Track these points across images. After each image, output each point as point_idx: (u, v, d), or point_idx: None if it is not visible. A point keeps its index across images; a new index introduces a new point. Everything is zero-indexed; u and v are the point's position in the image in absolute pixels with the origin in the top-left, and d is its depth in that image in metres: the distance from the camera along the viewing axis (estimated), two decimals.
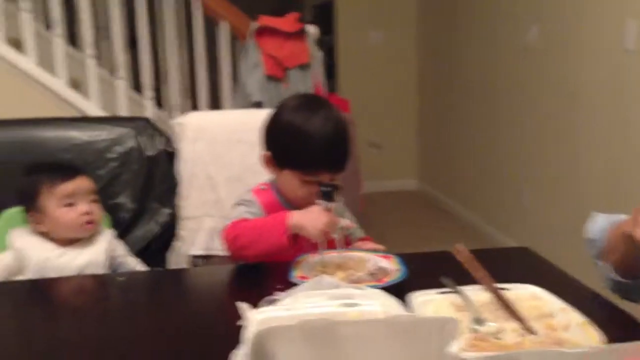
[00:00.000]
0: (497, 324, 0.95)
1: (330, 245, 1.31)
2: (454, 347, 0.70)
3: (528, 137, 3.48)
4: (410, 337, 0.72)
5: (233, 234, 1.33)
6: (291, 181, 1.40)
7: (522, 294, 1.05)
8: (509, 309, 0.99)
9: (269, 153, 1.45)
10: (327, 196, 1.29)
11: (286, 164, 1.40)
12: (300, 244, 1.33)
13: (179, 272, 1.60)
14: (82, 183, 1.51)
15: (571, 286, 1.18)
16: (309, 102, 1.45)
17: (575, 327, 0.93)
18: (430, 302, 1.01)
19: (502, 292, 1.03)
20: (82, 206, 1.49)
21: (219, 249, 1.55)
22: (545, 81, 3.26)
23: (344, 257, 1.30)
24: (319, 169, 1.36)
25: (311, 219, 1.27)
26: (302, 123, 1.37)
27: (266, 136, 1.46)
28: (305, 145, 1.36)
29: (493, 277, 1.06)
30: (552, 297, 1.03)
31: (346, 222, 1.29)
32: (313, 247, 1.33)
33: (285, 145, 1.40)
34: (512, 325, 0.94)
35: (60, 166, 1.55)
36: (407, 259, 1.26)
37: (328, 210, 1.28)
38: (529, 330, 0.93)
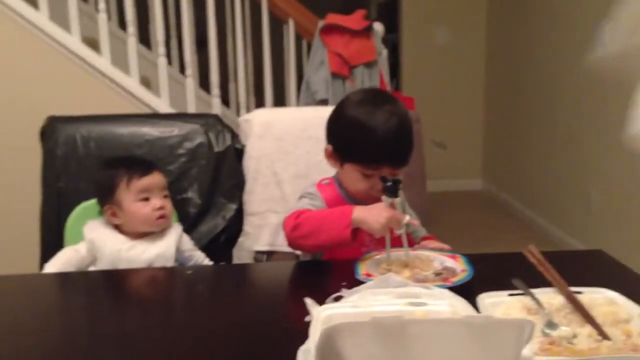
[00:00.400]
0: (571, 328, 0.92)
1: (394, 241, 1.30)
2: (528, 351, 0.68)
3: (595, 138, 3.35)
4: (484, 338, 0.71)
5: (294, 222, 1.33)
6: (352, 175, 1.39)
7: (597, 298, 1.01)
8: (583, 314, 0.95)
9: (331, 146, 1.44)
10: (390, 191, 1.27)
11: (348, 157, 1.40)
12: (360, 239, 1.32)
13: (244, 267, 1.63)
14: (156, 178, 1.55)
15: None
16: (374, 97, 1.44)
17: None
18: (500, 304, 0.99)
19: (576, 295, 1.00)
20: (156, 201, 1.53)
21: (282, 245, 1.56)
22: (615, 82, 3.13)
23: (411, 256, 1.29)
24: (381, 163, 1.35)
25: (374, 214, 1.26)
26: (366, 117, 1.36)
27: (329, 130, 1.45)
28: (367, 140, 1.35)
29: (566, 279, 1.03)
30: (629, 302, 0.99)
31: (409, 218, 1.27)
32: (374, 243, 1.33)
33: (348, 139, 1.39)
34: (586, 330, 0.91)
35: (137, 161, 1.60)
36: (474, 260, 1.24)
37: (392, 205, 1.27)
38: (605, 336, 0.90)
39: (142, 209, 1.51)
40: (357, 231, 1.29)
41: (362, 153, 1.36)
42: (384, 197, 1.28)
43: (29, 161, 1.92)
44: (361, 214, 1.27)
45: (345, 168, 1.41)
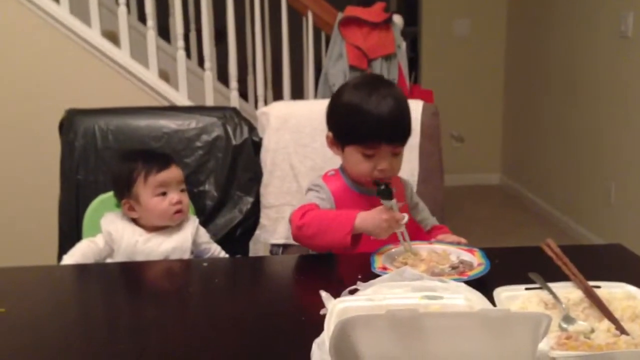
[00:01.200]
0: (588, 323, 0.91)
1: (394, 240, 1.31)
2: (545, 345, 0.68)
3: (614, 132, 3.31)
4: (501, 332, 0.70)
5: (300, 222, 1.35)
6: (354, 157, 1.41)
7: (615, 292, 1.00)
8: (601, 308, 0.94)
9: (331, 133, 1.47)
10: (384, 194, 1.30)
11: (347, 140, 1.42)
12: (363, 243, 1.33)
13: (260, 260, 1.63)
14: (174, 173, 1.56)
15: None
16: (369, 81, 1.48)
17: None
18: (517, 298, 0.98)
19: (594, 290, 0.99)
20: (174, 195, 1.53)
21: None
22: (636, 73, 3.09)
23: (427, 250, 1.29)
24: (379, 142, 1.37)
25: (373, 218, 1.29)
26: (361, 100, 1.39)
27: (328, 116, 1.48)
28: (364, 120, 1.37)
29: (584, 274, 1.02)
30: None
31: (407, 218, 1.29)
32: (379, 243, 1.32)
33: (346, 122, 1.42)
34: (604, 325, 0.90)
35: (155, 155, 1.60)
36: (491, 254, 1.23)
37: (389, 208, 1.29)
38: (623, 331, 0.89)
39: (159, 204, 1.51)
40: (358, 237, 1.31)
41: (360, 134, 1.39)
42: (382, 201, 1.30)
43: (49, 153, 1.94)
44: (363, 221, 1.30)
45: (346, 152, 1.43)
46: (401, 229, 1.29)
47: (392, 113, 1.37)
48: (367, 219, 1.29)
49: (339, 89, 1.49)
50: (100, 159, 1.74)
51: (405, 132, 1.41)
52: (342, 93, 1.45)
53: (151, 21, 2.92)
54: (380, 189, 1.31)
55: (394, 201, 1.29)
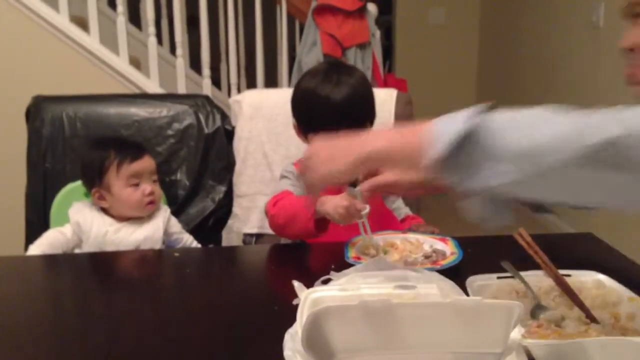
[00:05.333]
0: (559, 311, 0.92)
1: (379, 226, 1.30)
2: (517, 334, 0.68)
3: None
4: (473, 321, 0.70)
5: (273, 212, 1.35)
6: None
7: (586, 281, 1.01)
8: (572, 296, 0.95)
9: (295, 121, 1.48)
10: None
11: (309, 127, 1.43)
12: (335, 233, 1.32)
13: (232, 250, 1.62)
14: (147, 163, 1.53)
15: (637, 274, 1.13)
16: (326, 67, 1.48)
17: None
18: (489, 287, 0.98)
19: (565, 278, 1.00)
20: (146, 186, 1.51)
21: None
22: (606, 62, 3.12)
23: (400, 239, 1.29)
24: (337, 127, 1.32)
25: (334, 204, 1.26)
26: (315, 85, 1.40)
27: (291, 105, 1.49)
28: (318, 105, 1.38)
29: (555, 262, 1.02)
30: (617, 285, 0.98)
31: (367, 207, 1.25)
32: (351, 233, 1.31)
33: (304, 109, 1.44)
34: (575, 313, 0.91)
35: (128, 144, 1.57)
36: (464, 243, 1.23)
37: (353, 196, 1.26)
38: (593, 319, 0.90)
39: (132, 195, 1.49)
40: (325, 224, 1.29)
41: (316, 120, 1.40)
42: (347, 188, 1.27)
43: (15, 141, 1.90)
44: (322, 205, 1.26)
45: (309, 139, 1.44)
46: (362, 220, 1.25)
47: (346, 98, 1.37)
48: (326, 202, 1.26)
49: (301, 76, 1.50)
50: (68, 147, 1.70)
51: (363, 117, 1.42)
52: (301, 80, 1.47)
53: (121, 7, 2.86)
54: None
55: (357, 189, 1.28)
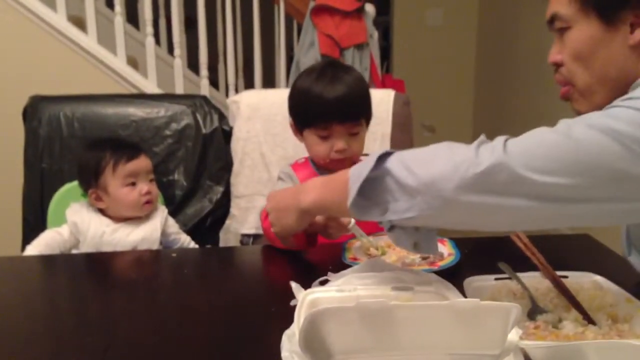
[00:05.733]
0: (556, 313, 0.92)
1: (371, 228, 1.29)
2: (515, 335, 0.68)
3: None
4: (470, 322, 0.70)
5: (264, 224, 1.30)
6: (311, 140, 1.43)
7: (583, 282, 1.01)
8: (569, 298, 0.95)
9: (291, 119, 1.48)
10: None
11: (303, 124, 1.44)
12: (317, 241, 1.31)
13: (230, 250, 1.62)
14: (144, 162, 1.53)
15: (633, 275, 1.13)
16: (322, 66, 1.49)
17: (639, 319, 0.89)
18: (486, 288, 0.98)
19: (562, 280, 1.00)
20: (143, 186, 1.50)
21: None
22: None
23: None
24: (329, 120, 1.38)
25: (320, 224, 1.24)
26: (310, 82, 1.41)
27: (288, 104, 1.49)
28: (312, 100, 1.39)
29: (552, 264, 1.03)
30: (615, 287, 0.98)
31: (352, 221, 1.23)
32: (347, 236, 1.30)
33: (299, 107, 1.45)
34: (572, 314, 0.91)
35: (124, 144, 1.57)
36: (461, 244, 1.23)
37: None
38: (590, 321, 0.90)
39: (128, 195, 1.49)
40: (314, 236, 1.29)
41: (310, 115, 1.41)
42: None
43: (12, 141, 1.89)
44: (311, 225, 1.23)
45: (304, 136, 1.45)
46: (351, 232, 1.25)
47: (340, 92, 1.38)
48: (314, 224, 1.23)
49: (298, 75, 1.51)
50: (65, 147, 1.70)
51: (358, 111, 1.42)
52: (297, 79, 1.48)
53: (119, 6, 2.86)
54: None
55: None
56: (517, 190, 0.83)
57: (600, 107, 0.91)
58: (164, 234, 1.54)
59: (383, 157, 0.93)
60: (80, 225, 1.47)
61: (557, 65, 1.07)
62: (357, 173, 0.94)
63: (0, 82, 2.73)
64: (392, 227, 0.94)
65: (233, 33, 3.12)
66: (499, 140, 0.88)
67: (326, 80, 1.40)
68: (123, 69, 2.85)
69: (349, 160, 1.40)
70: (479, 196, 0.84)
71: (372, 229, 1.27)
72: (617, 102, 0.87)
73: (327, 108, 1.38)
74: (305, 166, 1.49)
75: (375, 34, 3.09)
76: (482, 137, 0.90)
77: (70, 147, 1.70)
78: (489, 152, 0.85)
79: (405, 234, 0.95)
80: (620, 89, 0.94)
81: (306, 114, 1.42)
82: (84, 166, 1.52)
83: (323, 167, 1.45)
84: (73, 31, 2.80)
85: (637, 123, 0.81)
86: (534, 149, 0.86)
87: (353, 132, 1.40)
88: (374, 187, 0.92)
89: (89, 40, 2.81)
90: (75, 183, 1.58)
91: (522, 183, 0.83)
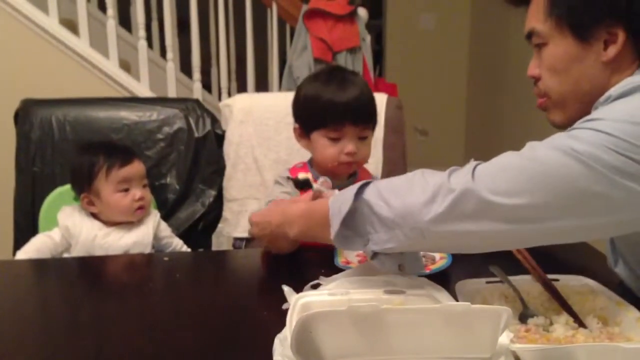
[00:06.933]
0: (547, 316, 0.92)
1: None
2: (506, 339, 0.68)
3: None
4: (462, 326, 0.71)
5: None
6: (320, 142, 1.41)
7: (574, 286, 1.01)
8: (560, 301, 0.96)
9: (297, 125, 1.47)
10: (303, 184, 1.34)
11: (312, 126, 1.42)
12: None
13: (222, 254, 1.61)
14: (137, 168, 1.52)
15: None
16: (330, 70, 1.50)
17: (629, 322, 0.89)
18: (478, 292, 0.99)
19: (553, 283, 1.00)
20: (136, 192, 1.50)
21: None
22: None
23: None
24: (341, 121, 1.38)
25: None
26: (322, 84, 1.41)
27: (293, 110, 1.48)
28: (325, 101, 1.38)
29: (544, 268, 1.03)
30: (605, 290, 0.99)
31: (334, 192, 1.26)
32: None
33: (309, 110, 1.43)
34: (563, 318, 0.91)
35: (117, 148, 1.56)
36: None
37: (319, 193, 1.24)
38: (581, 324, 0.90)
39: (121, 201, 1.48)
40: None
41: (323, 116, 1.39)
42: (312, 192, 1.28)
43: (3, 144, 1.88)
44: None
45: (312, 140, 1.43)
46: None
47: (353, 94, 1.38)
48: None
49: (303, 80, 1.51)
50: (57, 151, 1.69)
51: (369, 114, 1.43)
52: (305, 83, 1.47)
53: (111, 9, 2.85)
54: (297, 181, 1.34)
55: (317, 186, 1.27)
56: (486, 215, 0.86)
57: (573, 119, 0.95)
58: (156, 237, 1.54)
59: (362, 188, 0.98)
60: (72, 228, 1.47)
61: (536, 79, 1.08)
62: (337, 206, 0.99)
63: None
64: (375, 254, 0.99)
65: (226, 36, 3.12)
66: (469, 166, 0.91)
67: (337, 83, 1.40)
68: (115, 72, 2.85)
69: (356, 165, 1.42)
70: (452, 224, 0.88)
71: None
72: (578, 123, 0.90)
73: (341, 108, 1.38)
74: (304, 171, 1.48)
75: (368, 38, 3.10)
76: (471, 162, 0.94)
77: (62, 151, 1.69)
78: (459, 178, 0.90)
79: (390, 259, 0.99)
80: (592, 102, 0.96)
81: (317, 114, 1.41)
82: (76, 170, 1.51)
83: (327, 171, 1.42)
84: (65, 34, 2.79)
85: (596, 143, 0.83)
86: (499, 173, 0.88)
87: (363, 136, 1.41)
88: (354, 219, 0.97)
89: (81, 44, 2.80)
90: (67, 187, 1.58)
91: (488, 207, 0.86)
